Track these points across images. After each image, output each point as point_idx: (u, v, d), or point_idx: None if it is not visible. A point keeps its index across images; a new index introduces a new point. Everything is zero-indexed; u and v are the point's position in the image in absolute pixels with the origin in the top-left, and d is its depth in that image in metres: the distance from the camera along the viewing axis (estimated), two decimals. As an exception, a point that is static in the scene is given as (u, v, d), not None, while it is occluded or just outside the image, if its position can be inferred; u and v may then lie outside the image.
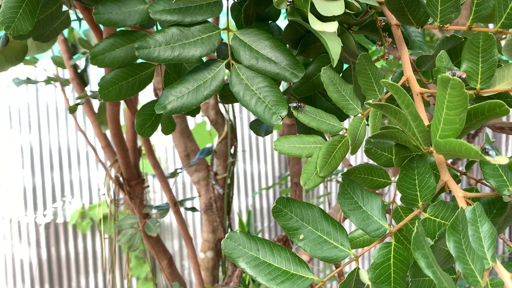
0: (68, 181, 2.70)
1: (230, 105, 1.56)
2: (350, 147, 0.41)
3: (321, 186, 2.71)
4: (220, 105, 1.57)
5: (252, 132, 2.85)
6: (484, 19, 0.37)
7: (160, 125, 0.62)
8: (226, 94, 0.59)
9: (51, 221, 2.68)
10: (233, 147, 1.57)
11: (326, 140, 0.44)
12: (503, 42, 0.56)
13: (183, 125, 1.54)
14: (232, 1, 0.53)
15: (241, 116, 2.81)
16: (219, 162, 1.60)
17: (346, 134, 0.44)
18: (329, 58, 0.51)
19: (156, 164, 0.99)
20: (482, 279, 0.38)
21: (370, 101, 0.36)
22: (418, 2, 0.43)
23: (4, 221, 2.65)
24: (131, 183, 1.13)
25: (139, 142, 1.16)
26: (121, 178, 1.13)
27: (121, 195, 1.35)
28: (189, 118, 2.59)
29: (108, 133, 1.09)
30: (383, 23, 0.48)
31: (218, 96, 0.61)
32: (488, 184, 0.44)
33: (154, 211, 1.10)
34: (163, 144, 2.89)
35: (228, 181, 1.62)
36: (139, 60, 0.58)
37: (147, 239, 1.14)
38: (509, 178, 0.43)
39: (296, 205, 0.46)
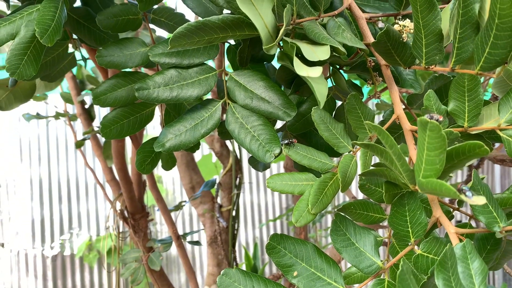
0: (76, 213, 2.71)
1: (235, 137, 1.58)
2: (340, 185, 0.42)
3: (329, 216, 2.69)
4: (225, 138, 1.59)
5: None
6: (466, 61, 0.39)
7: (160, 161, 0.64)
8: (224, 130, 0.61)
9: (58, 253, 2.68)
10: (237, 179, 1.58)
11: (318, 177, 0.45)
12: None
13: (189, 158, 1.56)
14: (228, 44, 0.56)
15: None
16: (224, 194, 1.61)
17: (337, 172, 0.45)
18: (322, 97, 0.53)
19: (159, 198, 1.00)
20: (473, 317, 0.38)
21: (358, 142, 0.37)
22: (404, 45, 0.44)
23: (12, 253, 2.66)
24: (135, 216, 1.14)
25: (144, 176, 1.18)
26: (125, 212, 1.14)
27: (126, 228, 1.36)
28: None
29: (113, 167, 1.11)
30: (373, 64, 0.50)
31: (217, 133, 0.62)
32: (479, 220, 0.45)
33: (158, 244, 1.11)
34: (171, 176, 2.91)
35: (233, 213, 1.62)
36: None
37: (150, 272, 1.14)
38: (499, 215, 0.44)
39: (290, 242, 0.46)
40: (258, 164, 0.65)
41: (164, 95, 0.50)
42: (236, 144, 1.54)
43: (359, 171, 0.47)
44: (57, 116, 1.25)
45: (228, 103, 0.50)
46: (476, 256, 0.41)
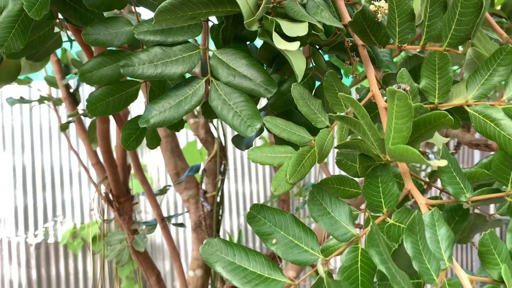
0: (60, 201, 2.71)
1: (220, 124, 1.60)
2: (317, 156, 0.45)
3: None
4: (211, 124, 1.61)
5: (243, 152, 2.86)
6: (435, 39, 0.41)
7: (145, 139, 0.65)
8: (208, 110, 0.63)
9: (42, 241, 2.68)
10: (222, 165, 1.60)
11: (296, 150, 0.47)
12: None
13: (174, 144, 1.57)
14: (212, 23, 0.57)
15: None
16: (209, 181, 1.63)
17: (314, 145, 0.47)
18: (303, 76, 0.55)
19: (144, 180, 1.02)
20: (438, 278, 0.41)
21: (333, 114, 0.39)
22: (379, 25, 0.47)
23: (-5, 241, 2.65)
24: (120, 199, 1.15)
25: (129, 160, 1.19)
26: (110, 195, 1.15)
27: (112, 214, 1.37)
28: (180, 137, 2.62)
29: (98, 150, 1.12)
30: (351, 44, 0.52)
31: (201, 112, 0.64)
32: (447, 191, 0.48)
33: (142, 227, 1.12)
34: (155, 164, 2.91)
35: (218, 199, 1.64)
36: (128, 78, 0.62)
37: (135, 255, 1.16)
38: (465, 186, 0.47)
39: (269, 212, 0.49)
40: (241, 143, 0.67)
41: (148, 71, 0.52)
42: (221, 131, 1.56)
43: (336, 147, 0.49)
44: (41, 100, 1.25)
45: (212, 81, 0.52)
46: (443, 223, 0.44)
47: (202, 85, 0.52)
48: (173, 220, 1.11)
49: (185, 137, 2.68)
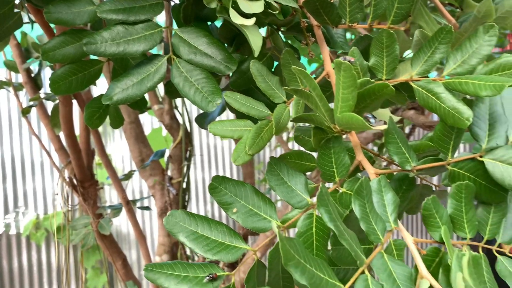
0: (21, 191, 2.65)
1: (185, 110, 1.61)
2: (274, 129, 0.48)
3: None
4: (176, 111, 1.61)
5: (210, 140, 2.86)
6: (380, 17, 0.45)
7: (108, 118, 0.66)
8: (171, 89, 0.65)
9: (3, 233, 2.61)
10: (188, 152, 1.61)
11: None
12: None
13: (138, 131, 1.57)
14: (173, 2, 0.59)
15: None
16: (174, 167, 1.64)
17: (272, 119, 0.50)
18: (261, 56, 0.58)
19: (108, 164, 1.03)
20: (384, 238, 0.45)
21: (288, 87, 0.42)
22: (331, 5, 0.50)
23: (-47, 233, 2.57)
24: (84, 184, 1.15)
25: (93, 145, 1.19)
26: (74, 180, 1.15)
27: (76, 202, 1.36)
28: (145, 125, 2.61)
29: (62, 136, 1.11)
30: (306, 25, 0.55)
31: (164, 91, 0.66)
32: (393, 161, 0.52)
33: (107, 211, 1.13)
34: (120, 154, 2.89)
35: (184, 186, 1.66)
36: (92, 57, 0.63)
37: (101, 239, 1.16)
38: (411, 156, 0.51)
39: (230, 183, 0.51)
40: (204, 122, 0.69)
41: (111, 49, 0.53)
42: (186, 117, 1.57)
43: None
44: (1, 85, 1.23)
45: (173, 59, 0.54)
46: (389, 189, 0.48)
47: (164, 63, 0.54)
48: (138, 204, 1.12)
49: (150, 123, 2.67)
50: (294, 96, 0.51)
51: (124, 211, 1.13)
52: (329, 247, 0.52)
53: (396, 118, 0.70)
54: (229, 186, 0.51)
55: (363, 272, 0.41)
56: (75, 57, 0.59)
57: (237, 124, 0.49)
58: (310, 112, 0.50)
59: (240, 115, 0.53)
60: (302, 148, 0.60)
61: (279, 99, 0.51)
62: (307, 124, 0.58)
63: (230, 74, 0.59)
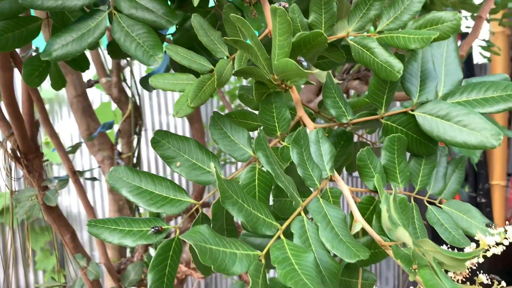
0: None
1: (133, 83, 1.58)
2: (216, 82, 0.48)
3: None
4: (124, 84, 1.58)
5: (162, 118, 2.80)
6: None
7: (50, 79, 0.65)
8: (113, 49, 0.64)
9: None
10: (137, 126, 1.59)
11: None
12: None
13: (85, 104, 1.53)
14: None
15: (151, 103, 2.81)
16: (124, 141, 1.62)
17: (214, 74, 0.51)
18: (204, 13, 0.58)
19: (53, 133, 1.00)
20: (320, 184, 0.47)
21: (227, 38, 0.43)
22: (272, -39, 0.50)
23: None
24: (28, 156, 1.11)
25: (36, 115, 1.15)
26: (17, 152, 1.11)
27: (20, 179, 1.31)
28: (94, 102, 2.54)
29: (2, 107, 1.07)
30: (249, -17, 0.55)
31: (107, 51, 0.65)
32: (332, 118, 0.54)
33: (54, 182, 1.10)
34: (69, 132, 2.80)
35: (134, 161, 1.64)
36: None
37: (48, 212, 1.13)
38: (347, 110, 0.53)
39: (173, 138, 0.52)
40: (148, 83, 0.68)
41: (48, 3, 0.51)
42: (134, 89, 1.54)
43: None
44: None
45: (114, 14, 0.53)
46: (326, 140, 0.50)
47: (105, 18, 0.53)
48: (85, 175, 1.10)
49: (99, 97, 2.60)
50: (238, 52, 0.52)
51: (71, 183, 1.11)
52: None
53: (336, 81, 0.72)
54: (172, 140, 0.51)
55: (299, 214, 0.43)
56: (12, 12, 0.57)
57: (179, 78, 0.50)
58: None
59: (183, 71, 0.54)
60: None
61: (221, 54, 0.52)
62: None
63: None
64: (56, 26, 0.61)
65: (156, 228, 0.50)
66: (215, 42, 0.51)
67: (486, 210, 2.54)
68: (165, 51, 0.60)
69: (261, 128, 0.45)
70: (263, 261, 0.38)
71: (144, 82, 0.69)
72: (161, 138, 0.51)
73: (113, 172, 0.52)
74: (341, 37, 0.51)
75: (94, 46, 0.55)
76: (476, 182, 2.69)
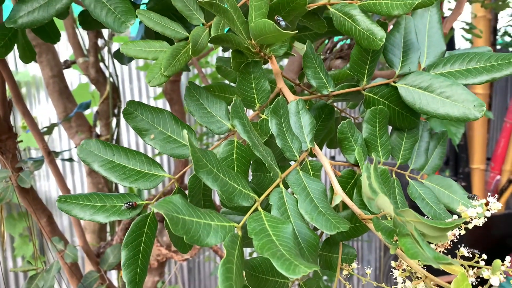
0: None
1: (111, 63, 1.54)
2: (191, 49, 0.46)
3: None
4: (101, 64, 1.54)
5: (142, 100, 2.77)
6: None
7: (18, 51, 0.62)
8: (85, 19, 0.61)
9: None
10: (116, 107, 1.55)
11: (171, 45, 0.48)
12: None
13: (62, 85, 1.48)
14: None
15: (132, 86, 2.76)
16: (102, 123, 1.58)
17: (189, 42, 0.49)
18: (180, -20, 0.55)
19: (26, 112, 0.96)
20: (299, 156, 0.45)
21: (202, 1, 0.41)
22: None
23: None
24: (1, 137, 1.07)
25: (8, 94, 1.11)
26: (-11, 132, 1.07)
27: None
28: (72, 84, 2.48)
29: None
30: None
31: (78, 22, 0.62)
32: (311, 84, 0.52)
33: (28, 163, 1.07)
34: (47, 116, 2.73)
35: (113, 143, 1.60)
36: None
37: (22, 195, 1.10)
38: (328, 81, 0.51)
39: (146, 109, 0.49)
40: (123, 56, 0.66)
41: (12, -35, 0.48)
42: (112, 69, 1.50)
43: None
44: None
45: (84, -22, 0.50)
46: (306, 111, 0.48)
47: (74, -17, 0.50)
48: (61, 156, 1.07)
49: (77, 78, 2.54)
50: (214, 19, 0.50)
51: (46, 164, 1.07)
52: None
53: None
54: (145, 112, 0.49)
55: (278, 186, 0.41)
56: (-27, -23, 0.53)
57: (152, 45, 0.47)
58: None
59: (157, 39, 0.51)
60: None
61: (197, 21, 0.49)
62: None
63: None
64: (22, -6, 0.58)
65: (130, 204, 0.48)
66: (190, 8, 0.49)
67: (466, 193, 2.57)
68: (140, 21, 0.58)
69: (238, 96, 0.43)
70: (239, 233, 0.36)
71: (118, 55, 0.66)
72: (134, 109, 0.49)
73: (84, 145, 0.49)
74: (322, 4, 0.50)
75: (63, 13, 0.52)
76: (456, 166, 2.72)
